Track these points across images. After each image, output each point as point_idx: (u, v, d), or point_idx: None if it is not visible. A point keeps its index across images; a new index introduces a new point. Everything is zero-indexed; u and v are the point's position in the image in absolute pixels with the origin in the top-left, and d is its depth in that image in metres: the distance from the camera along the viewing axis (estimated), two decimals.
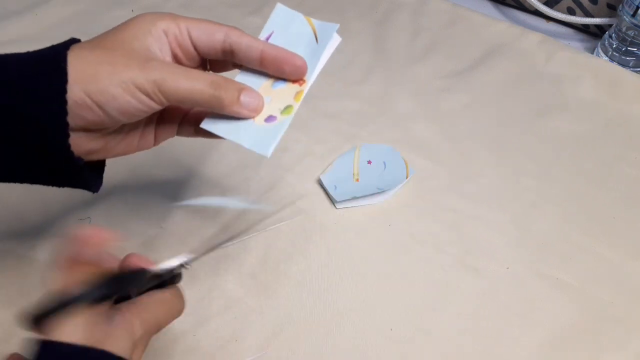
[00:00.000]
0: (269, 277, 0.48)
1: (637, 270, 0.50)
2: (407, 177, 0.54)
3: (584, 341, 0.45)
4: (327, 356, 0.43)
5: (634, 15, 0.62)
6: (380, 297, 0.47)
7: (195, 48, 0.35)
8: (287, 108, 0.36)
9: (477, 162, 0.58)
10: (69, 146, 0.32)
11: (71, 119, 0.31)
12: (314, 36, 0.38)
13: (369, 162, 0.55)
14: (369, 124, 0.60)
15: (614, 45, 0.68)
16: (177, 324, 0.44)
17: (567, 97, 0.65)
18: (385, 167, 0.55)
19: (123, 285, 0.32)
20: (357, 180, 0.54)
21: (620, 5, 0.64)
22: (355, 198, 0.52)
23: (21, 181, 0.34)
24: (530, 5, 0.74)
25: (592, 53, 0.71)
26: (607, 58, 0.69)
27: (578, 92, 0.65)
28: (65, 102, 0.30)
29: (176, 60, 0.35)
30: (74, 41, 0.33)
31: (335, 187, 0.53)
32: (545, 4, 0.74)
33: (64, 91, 0.30)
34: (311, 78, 0.37)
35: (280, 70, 0.36)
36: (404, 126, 0.61)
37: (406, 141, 0.59)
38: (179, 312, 0.35)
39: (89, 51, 0.32)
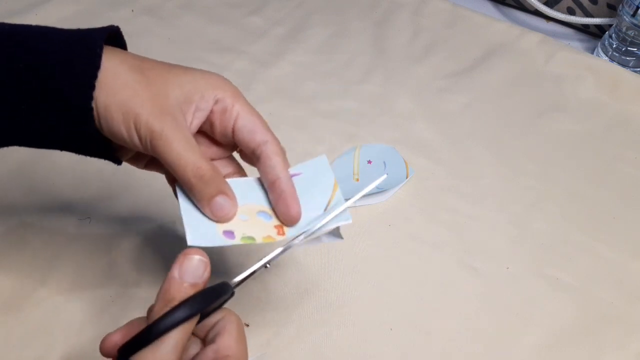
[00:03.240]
0: (269, 278, 0.48)
1: (637, 270, 0.50)
2: (407, 177, 0.54)
3: (584, 341, 0.45)
4: (327, 356, 0.43)
5: (634, 15, 0.62)
6: (380, 297, 0.47)
7: (232, 132, 0.35)
8: (249, 238, 0.34)
9: (477, 162, 0.58)
10: (95, 129, 0.32)
11: None
12: (326, 205, 0.36)
13: (369, 162, 0.55)
14: (369, 124, 0.60)
15: (614, 45, 0.68)
16: None
17: (567, 97, 0.65)
18: (385, 167, 0.55)
19: (207, 302, 0.30)
20: (357, 180, 0.54)
21: (620, 5, 0.64)
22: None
23: (48, 147, 0.34)
24: (530, 5, 0.74)
25: (592, 53, 0.71)
26: (607, 58, 0.69)
27: (578, 92, 0.65)
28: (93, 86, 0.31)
29: (211, 128, 0.35)
30: (112, 30, 0.33)
31: None
32: (545, 4, 0.74)
33: (95, 77, 0.31)
34: (290, 236, 0.34)
35: (275, 204, 0.35)
36: (404, 126, 0.61)
37: (406, 141, 0.59)
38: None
39: (128, 69, 0.32)
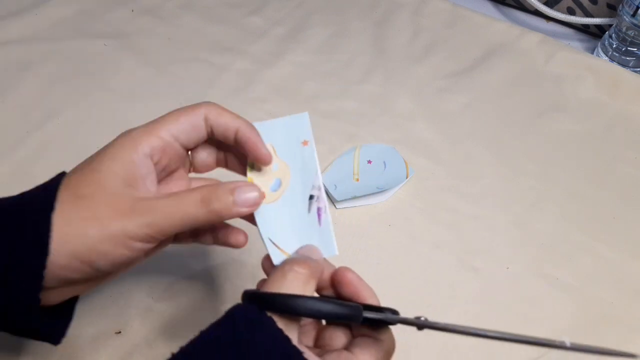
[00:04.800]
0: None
1: (637, 270, 0.50)
2: (407, 177, 0.54)
3: (584, 341, 0.45)
4: None
5: (634, 15, 0.62)
6: (380, 297, 0.47)
7: (184, 147, 0.34)
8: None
9: (477, 162, 0.58)
10: (38, 327, 0.31)
11: (53, 281, 0.29)
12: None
13: (369, 162, 0.55)
14: (369, 124, 0.60)
15: (614, 45, 0.68)
16: (177, 325, 0.44)
17: (567, 97, 0.65)
18: (385, 167, 0.55)
19: (338, 317, 0.31)
20: (357, 180, 0.54)
21: (620, 5, 0.64)
22: (355, 197, 0.52)
23: None
24: (530, 5, 0.74)
25: (592, 53, 0.71)
26: (607, 58, 0.69)
27: (578, 92, 0.65)
28: (41, 280, 0.28)
29: (168, 168, 0.34)
30: (59, 180, 0.31)
31: (336, 187, 0.53)
32: (545, 4, 0.74)
33: (43, 268, 0.28)
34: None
35: (245, 152, 0.34)
36: (404, 126, 0.61)
37: (406, 141, 0.59)
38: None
39: (72, 206, 0.29)
